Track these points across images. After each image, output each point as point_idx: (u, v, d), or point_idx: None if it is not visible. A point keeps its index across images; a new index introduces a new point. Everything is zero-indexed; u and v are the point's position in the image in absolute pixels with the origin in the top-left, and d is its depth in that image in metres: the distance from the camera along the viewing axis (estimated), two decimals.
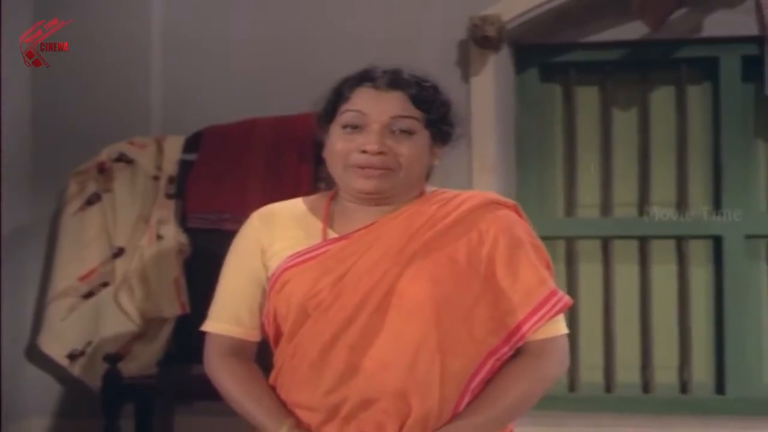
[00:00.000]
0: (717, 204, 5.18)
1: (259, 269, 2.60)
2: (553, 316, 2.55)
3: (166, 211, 4.99)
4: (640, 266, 5.23)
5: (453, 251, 2.50)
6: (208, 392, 4.50)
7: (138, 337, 4.94)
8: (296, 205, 2.66)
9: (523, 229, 2.58)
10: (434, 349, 2.45)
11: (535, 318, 2.51)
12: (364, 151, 2.50)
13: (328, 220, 2.59)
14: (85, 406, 5.08)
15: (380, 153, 2.49)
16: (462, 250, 2.51)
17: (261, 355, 2.72)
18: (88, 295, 4.96)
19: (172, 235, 4.97)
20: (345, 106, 2.53)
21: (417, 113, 2.52)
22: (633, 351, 5.24)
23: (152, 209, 5.00)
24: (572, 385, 5.27)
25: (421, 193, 2.60)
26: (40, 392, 5.19)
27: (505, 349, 2.49)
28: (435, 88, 2.59)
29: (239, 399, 2.57)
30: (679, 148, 5.24)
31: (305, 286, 2.50)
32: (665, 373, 5.22)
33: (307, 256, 2.53)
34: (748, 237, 5.11)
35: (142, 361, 4.92)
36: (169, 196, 5.01)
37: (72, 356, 4.96)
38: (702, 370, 5.20)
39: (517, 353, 2.52)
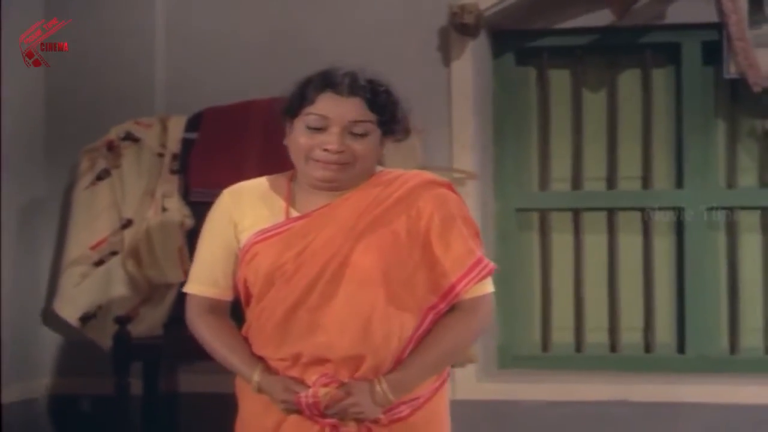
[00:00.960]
0: (679, 178, 5.33)
1: (232, 240, 2.87)
2: (481, 279, 2.83)
3: (170, 186, 5.11)
4: (608, 236, 5.39)
5: (396, 226, 2.80)
6: (205, 354, 4.76)
7: (145, 301, 5.08)
8: (261, 184, 2.92)
9: (455, 205, 2.86)
10: (383, 309, 2.76)
11: (465, 280, 2.81)
12: (326, 149, 2.76)
13: (290, 200, 2.86)
14: (97, 365, 5.20)
15: (339, 151, 2.77)
16: (403, 225, 2.80)
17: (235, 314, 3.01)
18: (99, 262, 5.10)
19: (176, 207, 5.09)
20: (309, 109, 2.77)
21: (371, 116, 2.79)
22: (601, 314, 5.40)
23: (157, 184, 5.12)
24: (545, 346, 5.44)
25: (371, 176, 2.87)
26: (56, 352, 5.36)
27: (442, 305, 2.81)
28: (387, 92, 2.83)
29: (218, 349, 2.89)
30: (644, 126, 5.39)
31: (271, 258, 2.78)
32: (631, 335, 5.38)
33: (273, 232, 2.82)
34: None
35: (149, 323, 5.06)
36: (172, 172, 5.15)
37: (84, 319, 5.10)
38: (664, 332, 5.36)
39: (451, 309, 2.83)
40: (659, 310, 5.36)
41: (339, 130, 2.76)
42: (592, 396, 5.06)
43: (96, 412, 5.39)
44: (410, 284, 2.80)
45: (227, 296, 2.92)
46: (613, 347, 5.40)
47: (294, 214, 2.84)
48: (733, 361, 5.27)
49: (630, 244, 5.40)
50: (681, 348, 5.32)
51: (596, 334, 5.43)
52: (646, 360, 5.34)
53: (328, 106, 2.78)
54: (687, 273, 5.29)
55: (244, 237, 2.84)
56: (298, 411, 2.77)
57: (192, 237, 5.08)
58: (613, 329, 5.39)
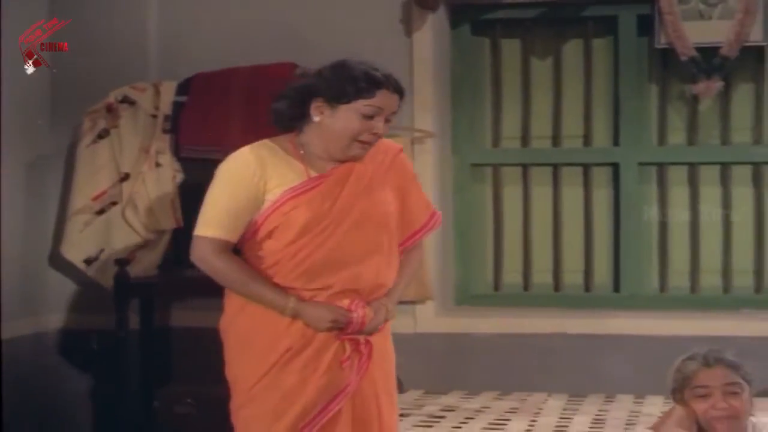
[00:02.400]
0: (616, 137, 5.58)
1: (258, 194, 3.25)
2: (437, 227, 3.47)
3: (163, 144, 5.36)
4: (553, 188, 5.64)
5: (389, 184, 3.37)
6: (199, 290, 5.17)
7: (142, 245, 5.34)
8: (273, 147, 3.31)
9: (411, 167, 3.49)
10: (389, 247, 3.34)
11: (428, 227, 3.46)
12: (374, 134, 3.25)
13: (306, 163, 3.29)
14: (99, 302, 5.50)
15: (381, 135, 3.28)
16: (392, 184, 3.37)
17: None
18: (100, 212, 5.34)
19: (168, 163, 5.35)
20: (368, 101, 3.23)
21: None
22: (546, 257, 5.67)
23: (151, 142, 5.35)
24: (497, 285, 5.70)
25: None
26: (62, 291, 5.61)
27: (409, 243, 3.43)
28: None
29: (246, 281, 3.25)
30: (585, 91, 5.63)
31: (309, 211, 3.25)
32: (572, 276, 5.65)
33: (303, 189, 3.27)
34: (641, 164, 5.54)
35: (145, 265, 5.36)
36: (165, 131, 5.38)
37: (88, 261, 5.37)
38: (602, 273, 5.63)
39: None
40: (597, 254, 5.63)
41: (383, 119, 3.24)
42: (537, 329, 5.35)
43: (98, 345, 5.62)
44: (397, 228, 3.37)
45: (236, 239, 3.28)
46: (556, 287, 5.67)
47: (312, 174, 3.28)
48: (661, 298, 5.55)
49: (572, 195, 5.65)
50: (616, 287, 5.59)
51: (541, 275, 5.69)
52: (585, 298, 5.61)
53: (383, 100, 3.24)
54: (622, 221, 5.55)
55: (274, 194, 3.25)
56: (336, 329, 3.24)
57: (182, 189, 5.38)
58: (557, 271, 5.66)
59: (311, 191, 3.27)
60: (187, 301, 5.59)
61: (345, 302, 3.26)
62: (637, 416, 3.95)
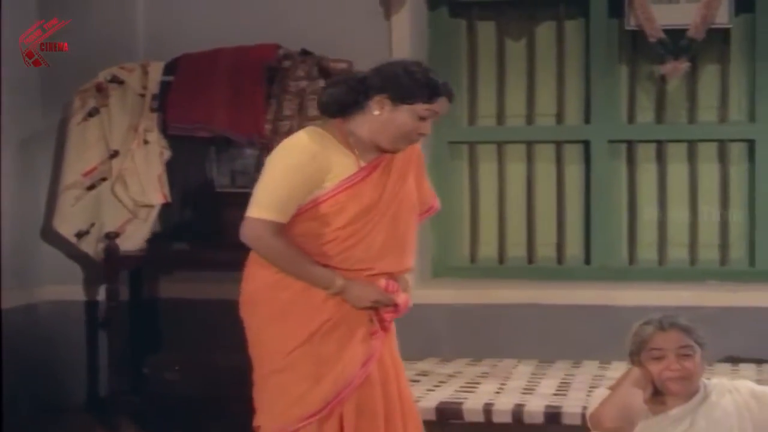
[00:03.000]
0: (587, 115, 5.73)
1: (317, 181, 3.45)
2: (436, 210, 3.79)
3: (150, 122, 5.49)
4: (527, 165, 5.79)
5: (411, 174, 3.63)
6: (185, 263, 5.32)
7: (131, 219, 5.48)
8: (325, 136, 3.50)
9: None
10: (414, 233, 3.64)
11: (433, 209, 3.77)
12: (421, 134, 3.51)
13: (356, 154, 3.50)
14: (90, 274, 5.71)
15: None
16: (413, 173, 3.64)
17: None
18: (91, 187, 5.49)
19: (156, 140, 5.49)
20: (428, 106, 3.47)
21: None
22: (520, 231, 5.83)
23: (140, 120, 5.47)
24: (473, 258, 5.87)
25: None
26: (54, 264, 5.74)
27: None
28: None
29: (299, 260, 3.45)
30: (558, 71, 5.78)
31: (362, 200, 3.48)
32: (545, 249, 5.82)
33: (358, 179, 3.49)
34: (611, 142, 5.69)
35: (134, 239, 5.49)
36: (153, 110, 5.50)
37: (79, 235, 5.52)
38: (573, 246, 5.80)
39: None
40: (569, 228, 5.79)
41: (432, 120, 3.50)
42: (511, 300, 5.48)
43: (88, 315, 5.79)
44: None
45: (286, 222, 3.47)
46: (530, 259, 5.83)
47: (362, 163, 3.49)
48: (630, 270, 5.72)
49: (545, 171, 5.81)
50: (587, 260, 5.75)
51: (516, 248, 5.84)
52: (557, 270, 5.78)
53: (440, 105, 3.51)
54: (593, 196, 5.70)
55: (332, 182, 3.46)
56: (370, 307, 3.50)
57: (170, 166, 5.54)
58: (530, 244, 5.82)
59: (363, 181, 3.51)
60: (174, 274, 5.74)
61: (381, 282, 3.52)
62: (601, 380, 4.14)
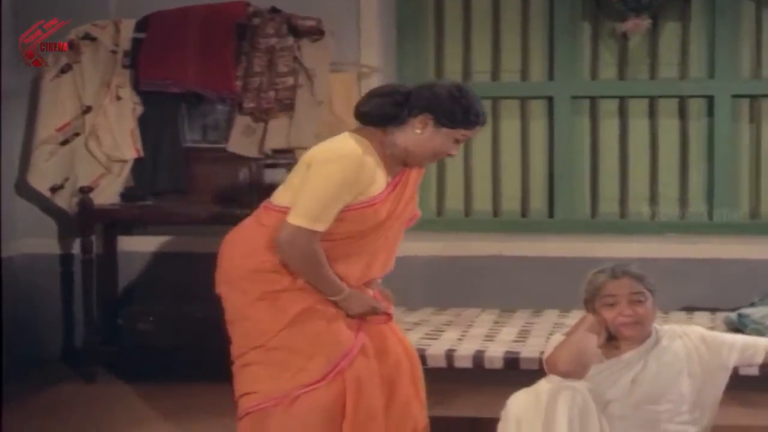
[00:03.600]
0: (551, 72, 5.83)
1: (353, 197, 3.52)
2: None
3: (123, 78, 5.58)
4: (492, 121, 5.85)
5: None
6: (157, 217, 5.36)
7: (104, 174, 5.56)
8: (369, 149, 3.57)
9: None
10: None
11: (418, 214, 3.86)
12: (450, 154, 3.67)
13: (386, 169, 3.61)
14: (64, 228, 5.80)
15: None
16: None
17: None
18: (65, 142, 5.57)
19: (128, 96, 5.57)
20: (466, 132, 3.63)
21: None
22: (486, 185, 5.93)
23: (112, 76, 5.57)
24: (440, 211, 5.98)
25: None
26: (29, 218, 5.84)
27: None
28: None
29: (321, 268, 3.53)
30: (522, 28, 5.87)
31: (386, 211, 3.59)
32: (510, 202, 5.93)
33: (387, 193, 3.60)
34: (574, 98, 5.79)
35: (108, 193, 5.58)
36: (124, 66, 5.60)
37: (53, 189, 5.61)
38: (537, 199, 5.91)
39: None
40: (533, 182, 5.91)
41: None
42: (477, 252, 5.63)
43: (63, 268, 5.90)
44: None
45: None
46: (495, 212, 5.94)
47: (388, 179, 3.62)
48: (592, 223, 5.84)
49: (510, 127, 5.91)
50: (551, 213, 5.88)
51: (481, 202, 5.95)
52: (522, 223, 5.89)
53: (475, 132, 3.67)
54: (556, 151, 5.82)
55: (366, 195, 3.55)
56: (368, 314, 3.63)
57: (142, 121, 5.61)
58: (496, 197, 5.93)
59: (389, 195, 3.62)
60: (147, 227, 5.84)
61: (370, 292, 3.68)
62: (560, 327, 4.26)
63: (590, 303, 3.66)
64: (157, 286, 5.84)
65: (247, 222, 3.71)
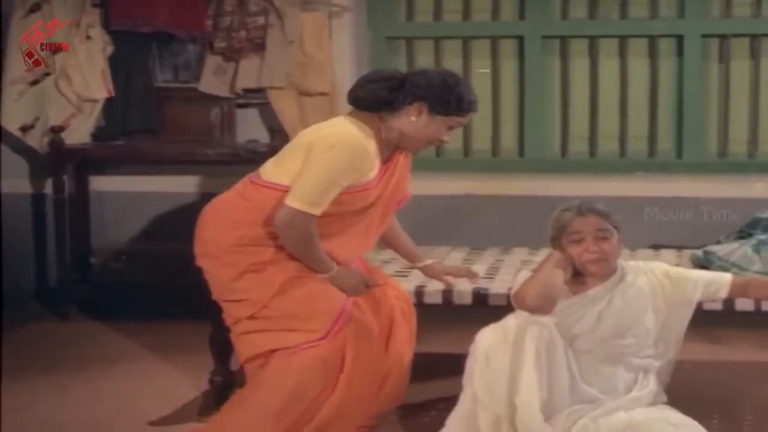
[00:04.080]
0: (522, 11, 5.82)
1: (349, 183, 3.61)
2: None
3: (93, 18, 5.56)
4: (463, 60, 5.89)
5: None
6: (128, 157, 5.40)
7: (75, 114, 5.58)
8: (370, 135, 3.67)
9: None
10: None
11: (409, 195, 3.99)
12: (443, 140, 3.79)
13: (379, 155, 3.70)
14: (36, 168, 5.83)
15: None
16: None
17: None
18: (34, 82, 5.57)
19: (99, 36, 5.56)
20: (459, 119, 3.77)
21: None
22: None
23: (82, 16, 5.54)
24: None
25: None
26: (1, 158, 5.77)
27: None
28: None
29: (314, 250, 3.63)
30: None
31: (375, 195, 3.70)
32: (481, 142, 5.97)
33: (378, 178, 3.70)
34: (545, 37, 5.81)
35: (79, 133, 5.61)
36: (94, 5, 5.58)
37: (24, 129, 5.62)
38: (508, 139, 5.95)
39: None
40: (504, 121, 5.94)
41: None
42: (448, 191, 5.68)
43: (35, 208, 5.93)
44: None
45: None
46: (466, 152, 5.98)
47: (379, 164, 3.70)
48: (563, 162, 5.90)
49: (481, 67, 5.91)
50: (521, 152, 5.92)
51: (452, 142, 5.47)
52: (493, 162, 5.93)
53: (467, 118, 3.78)
54: (527, 91, 5.85)
55: (361, 181, 3.64)
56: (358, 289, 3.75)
57: (112, 61, 5.61)
58: (467, 137, 5.96)
59: (379, 181, 3.72)
60: (118, 167, 5.86)
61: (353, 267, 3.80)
62: (528, 265, 4.30)
63: (557, 240, 3.71)
64: (129, 225, 5.87)
65: (229, 195, 3.78)
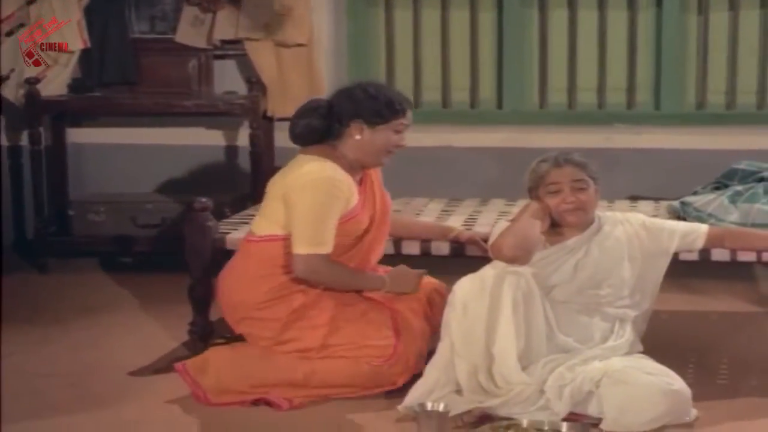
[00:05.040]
0: None
1: (339, 212, 3.72)
2: None
3: None
4: (441, 11, 5.88)
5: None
6: (105, 108, 5.39)
7: (51, 65, 5.55)
8: (334, 169, 3.75)
9: None
10: None
11: None
12: (399, 146, 3.85)
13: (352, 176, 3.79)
14: (12, 120, 5.80)
15: None
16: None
17: None
18: (9, 33, 5.52)
19: None
20: (402, 120, 3.84)
21: None
22: (435, 76, 5.95)
23: None
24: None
25: None
26: None
27: None
28: None
29: (352, 277, 3.83)
30: None
31: (367, 217, 3.82)
32: (459, 93, 5.95)
33: (361, 202, 3.80)
34: None
35: (55, 84, 5.59)
36: None
37: None
38: (487, 91, 5.95)
39: None
40: (483, 73, 5.93)
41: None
42: (426, 143, 5.56)
43: (12, 160, 5.91)
44: None
45: None
46: (444, 103, 5.98)
47: (355, 186, 3.78)
48: (541, 114, 5.90)
49: (459, 18, 5.90)
50: (499, 104, 5.92)
51: (431, 93, 5.97)
52: (471, 114, 5.94)
53: (409, 117, 3.83)
54: (505, 42, 5.84)
55: (348, 207, 3.75)
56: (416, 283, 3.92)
57: (88, 12, 5.57)
58: (445, 89, 5.95)
59: (364, 203, 3.81)
60: (95, 119, 5.86)
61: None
62: (505, 215, 4.34)
63: (534, 191, 3.74)
64: (107, 176, 5.86)
65: (235, 261, 3.92)
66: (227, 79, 5.83)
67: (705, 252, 3.88)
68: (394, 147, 3.85)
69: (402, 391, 3.66)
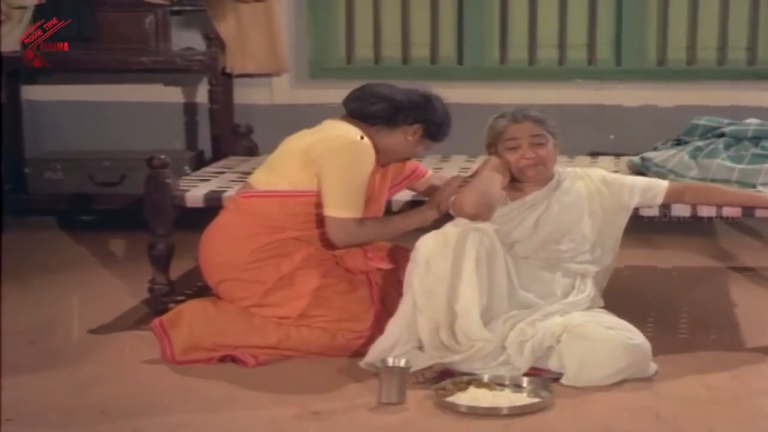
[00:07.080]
0: None
1: (366, 178, 3.77)
2: None
3: None
4: None
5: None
6: (62, 65, 5.33)
7: (4, 21, 5.49)
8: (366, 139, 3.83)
9: None
10: None
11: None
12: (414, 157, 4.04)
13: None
14: None
15: None
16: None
17: None
18: None
19: None
20: (434, 144, 3.97)
21: None
22: (395, 32, 5.94)
23: None
24: (349, 59, 5.99)
25: None
26: None
27: None
28: None
29: (391, 225, 3.87)
30: None
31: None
32: (419, 49, 5.97)
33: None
34: None
35: (9, 41, 5.51)
36: None
37: None
38: (447, 46, 5.96)
39: None
40: (443, 29, 5.94)
41: None
42: None
43: None
44: None
45: None
46: (405, 60, 5.98)
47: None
48: (502, 70, 5.92)
49: None
50: (460, 60, 5.94)
51: (391, 49, 5.98)
52: (432, 70, 5.95)
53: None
54: None
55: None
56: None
57: None
58: (405, 45, 5.96)
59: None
60: (51, 76, 5.80)
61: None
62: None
63: (492, 147, 3.78)
64: (63, 134, 5.84)
65: (223, 217, 3.88)
66: (185, 35, 5.80)
67: (665, 207, 3.91)
68: (412, 157, 4.02)
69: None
